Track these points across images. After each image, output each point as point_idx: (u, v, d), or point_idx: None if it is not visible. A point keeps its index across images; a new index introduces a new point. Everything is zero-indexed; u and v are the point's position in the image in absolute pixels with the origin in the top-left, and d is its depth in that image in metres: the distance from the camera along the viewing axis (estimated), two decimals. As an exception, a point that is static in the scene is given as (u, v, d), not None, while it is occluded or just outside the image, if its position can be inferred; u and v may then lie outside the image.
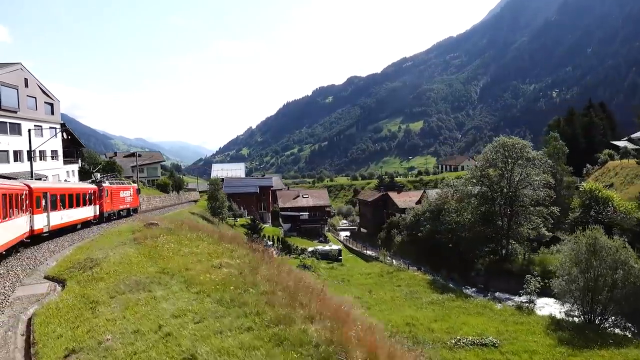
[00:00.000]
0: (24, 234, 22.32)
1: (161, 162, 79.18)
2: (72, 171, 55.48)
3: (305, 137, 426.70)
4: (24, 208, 22.09)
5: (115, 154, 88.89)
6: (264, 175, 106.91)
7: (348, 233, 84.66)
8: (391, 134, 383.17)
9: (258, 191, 72.10)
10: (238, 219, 62.63)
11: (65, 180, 48.94)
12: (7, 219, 18.77)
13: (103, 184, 36.86)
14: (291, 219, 72.31)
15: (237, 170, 78.43)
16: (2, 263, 18.65)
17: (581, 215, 45.32)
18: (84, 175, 57.18)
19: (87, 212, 33.29)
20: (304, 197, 79.11)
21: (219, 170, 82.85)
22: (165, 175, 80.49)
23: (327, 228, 78.23)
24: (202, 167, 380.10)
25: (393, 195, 76.03)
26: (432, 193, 61.92)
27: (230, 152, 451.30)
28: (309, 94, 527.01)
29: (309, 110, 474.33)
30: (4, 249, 18.46)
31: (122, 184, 44.52)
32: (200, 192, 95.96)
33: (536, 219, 42.07)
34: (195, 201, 71.74)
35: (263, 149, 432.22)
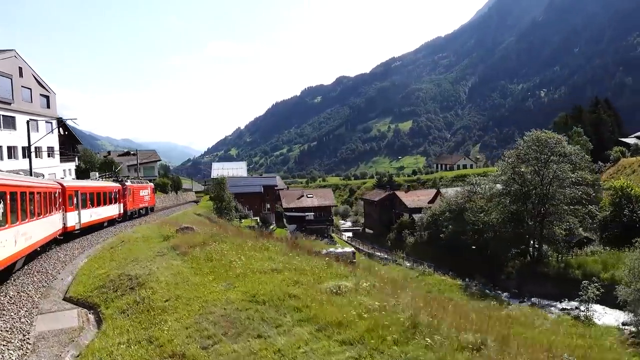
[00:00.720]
0: (58, 230, 22.90)
1: (158, 161, 75.02)
2: (69, 170, 51.31)
3: (294, 137, 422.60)
4: (57, 206, 22.74)
5: (109, 153, 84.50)
6: (261, 175, 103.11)
7: (350, 234, 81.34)
8: (380, 133, 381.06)
9: (262, 191, 68.31)
10: (243, 220, 58.89)
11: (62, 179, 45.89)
12: (45, 215, 19.26)
13: (126, 183, 37.49)
14: (296, 220, 68.67)
15: (238, 169, 74.52)
16: (10, 279, 14.90)
17: (612, 214, 42.54)
18: (80, 174, 53.06)
19: (113, 210, 34.13)
20: (308, 197, 75.54)
21: (219, 170, 78.75)
22: (162, 175, 76.51)
23: (332, 229, 74.83)
24: (191, 168, 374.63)
25: (400, 194, 72.87)
26: (450, 192, 58.77)
27: (218, 153, 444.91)
28: (298, 94, 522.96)
29: (297, 111, 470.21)
30: (41, 245, 18.86)
31: (141, 183, 45.05)
32: (196, 192, 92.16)
33: (572, 218, 38.98)
34: (196, 202, 67.80)
35: (252, 149, 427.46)
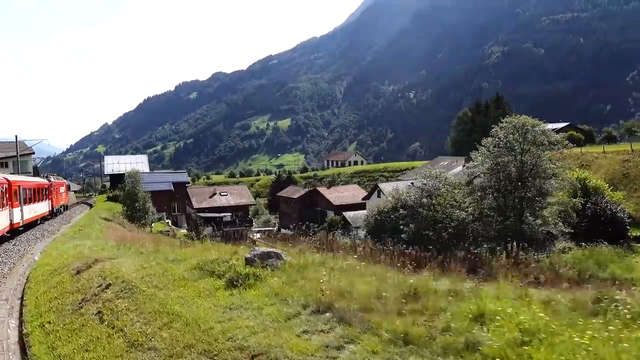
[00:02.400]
0: (5, 228, 22.57)
1: (31, 153, 59.88)
2: None
3: (169, 134, 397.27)
4: (4, 202, 22.23)
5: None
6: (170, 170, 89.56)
7: (258, 235, 73.04)
8: (259, 131, 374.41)
9: (172, 189, 57.10)
10: (153, 224, 47.96)
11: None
12: None
13: (51, 179, 37.15)
14: (211, 222, 58.97)
15: (138, 163, 61.97)
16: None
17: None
18: None
19: (46, 206, 33.91)
20: (222, 195, 66.01)
21: (114, 164, 65.14)
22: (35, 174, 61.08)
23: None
24: (51, 166, 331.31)
25: (323, 190, 66.82)
26: (388, 187, 53.71)
27: (84, 150, 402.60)
28: (172, 89, 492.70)
29: (172, 106, 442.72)
30: None
31: (59, 179, 44.54)
32: (75, 192, 76.86)
33: (550, 212, 35.55)
34: (88, 204, 54.46)
35: (122, 146, 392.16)
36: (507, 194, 36.27)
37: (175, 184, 58.40)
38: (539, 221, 36.05)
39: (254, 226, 78.48)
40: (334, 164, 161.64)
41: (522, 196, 35.73)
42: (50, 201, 35.86)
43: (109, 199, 55.00)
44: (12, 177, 26.09)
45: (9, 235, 23.85)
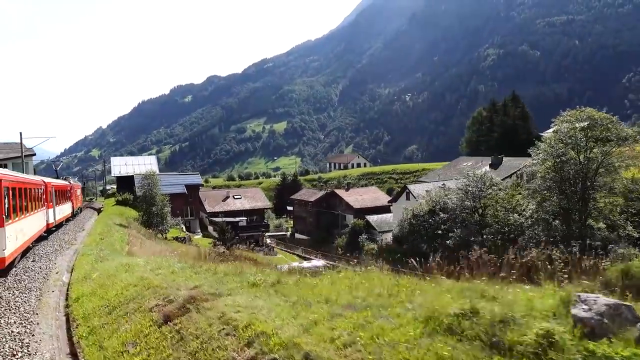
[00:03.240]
0: (43, 228, 23.18)
1: (32, 155, 55.37)
2: None
3: (164, 138, 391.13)
4: (42, 203, 22.71)
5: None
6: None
7: (269, 240, 68.88)
8: (255, 134, 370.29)
9: (186, 192, 52.57)
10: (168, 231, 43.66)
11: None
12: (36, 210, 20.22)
13: (70, 181, 37.21)
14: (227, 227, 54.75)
15: (147, 165, 57.49)
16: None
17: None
18: None
19: (69, 208, 33.82)
20: (235, 198, 61.78)
21: (121, 166, 60.52)
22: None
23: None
24: (45, 171, 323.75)
25: (342, 193, 62.84)
26: (417, 189, 49.94)
27: (78, 154, 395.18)
28: (167, 92, 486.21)
29: (167, 110, 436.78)
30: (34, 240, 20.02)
31: (75, 181, 43.61)
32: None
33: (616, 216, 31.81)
34: (96, 208, 49.98)
35: (116, 150, 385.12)
36: (571, 194, 32.57)
37: (188, 186, 54.08)
38: (601, 224, 32.43)
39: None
40: (337, 167, 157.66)
41: (587, 197, 32.09)
42: (71, 202, 35.92)
43: (118, 202, 50.63)
44: (46, 179, 26.59)
45: (46, 235, 24.56)
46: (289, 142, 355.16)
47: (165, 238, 42.37)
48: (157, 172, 51.93)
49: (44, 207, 23.16)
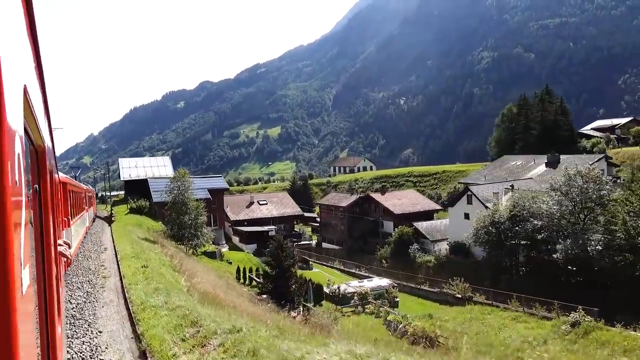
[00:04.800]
0: (88, 226, 25.91)
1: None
2: None
3: (156, 144, 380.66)
4: (88, 206, 25.56)
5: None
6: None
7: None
8: (249, 139, 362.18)
9: (210, 197, 44.50)
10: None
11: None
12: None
13: (89, 186, 35.71)
14: (254, 237, 46.99)
15: (161, 167, 49.50)
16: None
17: None
18: None
19: (92, 213, 33.56)
20: (261, 204, 54.13)
21: (131, 169, 52.35)
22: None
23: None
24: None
25: (378, 197, 55.43)
26: (482, 191, 42.61)
27: (69, 161, 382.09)
28: (159, 98, 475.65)
29: (159, 116, 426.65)
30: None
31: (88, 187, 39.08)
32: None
33: None
34: (101, 218, 41.75)
35: (109, 156, 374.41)
36: None
37: (212, 191, 46.24)
38: None
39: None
40: (342, 170, 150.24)
41: None
42: (93, 207, 35.32)
43: (132, 210, 42.64)
44: (83, 185, 27.26)
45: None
46: (283, 147, 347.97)
47: (193, 253, 34.54)
48: (172, 174, 43.99)
49: (85, 211, 23.58)
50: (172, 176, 33.64)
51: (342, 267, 47.20)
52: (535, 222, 32.30)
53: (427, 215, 53.10)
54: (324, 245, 60.91)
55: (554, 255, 29.93)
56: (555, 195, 32.36)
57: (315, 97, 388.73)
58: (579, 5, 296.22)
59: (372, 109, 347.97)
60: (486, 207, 39.40)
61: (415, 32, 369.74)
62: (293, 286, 26.12)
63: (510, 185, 41.50)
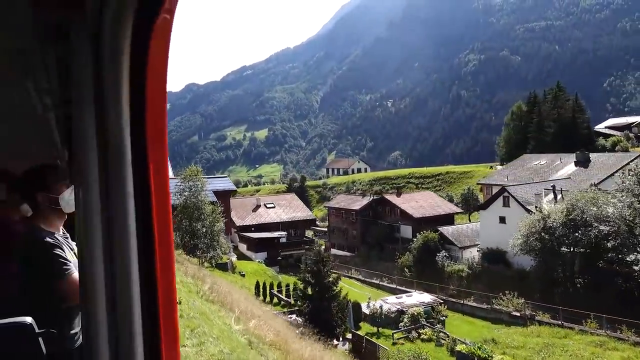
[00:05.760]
0: None
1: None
2: None
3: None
4: None
5: None
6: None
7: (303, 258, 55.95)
8: (236, 142, 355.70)
9: (216, 199, 39.06)
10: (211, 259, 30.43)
11: None
12: None
13: None
14: (264, 244, 41.93)
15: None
16: None
17: None
18: None
19: None
20: (268, 207, 49.01)
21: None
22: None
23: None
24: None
25: (394, 199, 50.76)
26: (521, 192, 38.18)
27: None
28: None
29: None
30: None
31: None
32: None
33: None
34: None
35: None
36: None
37: (218, 193, 41.08)
38: None
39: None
40: (336, 172, 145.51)
41: None
42: None
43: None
44: None
45: None
46: (271, 150, 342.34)
47: (202, 263, 29.35)
48: (172, 176, 38.65)
49: None
50: (182, 175, 28.46)
51: (360, 277, 42.33)
52: (601, 227, 27.96)
53: (448, 219, 48.63)
54: (333, 251, 55.87)
55: (635, 267, 25.62)
56: (620, 196, 28.08)
57: (303, 100, 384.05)
58: (565, 9, 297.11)
59: (359, 112, 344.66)
60: (527, 211, 35.00)
61: (402, 35, 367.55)
62: (336, 309, 21.31)
63: (552, 186, 37.23)
